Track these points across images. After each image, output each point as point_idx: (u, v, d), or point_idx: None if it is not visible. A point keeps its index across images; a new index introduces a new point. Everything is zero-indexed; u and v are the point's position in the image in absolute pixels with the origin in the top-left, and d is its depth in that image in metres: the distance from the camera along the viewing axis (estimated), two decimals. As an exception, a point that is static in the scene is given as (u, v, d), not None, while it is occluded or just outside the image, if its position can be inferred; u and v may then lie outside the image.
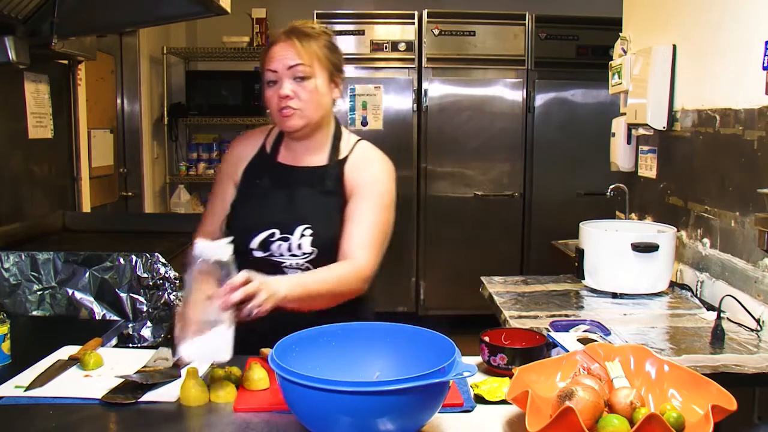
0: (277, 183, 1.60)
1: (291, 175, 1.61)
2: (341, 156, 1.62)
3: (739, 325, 1.91)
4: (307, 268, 1.54)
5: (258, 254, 1.55)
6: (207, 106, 4.80)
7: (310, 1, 4.58)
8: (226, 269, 1.17)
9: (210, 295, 1.24)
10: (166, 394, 1.29)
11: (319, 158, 1.62)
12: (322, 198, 1.57)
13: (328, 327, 1.26)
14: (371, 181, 1.59)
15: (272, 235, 1.54)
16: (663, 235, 2.22)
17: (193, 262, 1.17)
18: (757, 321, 1.88)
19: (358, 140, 1.67)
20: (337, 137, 1.64)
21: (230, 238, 1.19)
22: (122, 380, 1.33)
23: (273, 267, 1.54)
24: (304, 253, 1.53)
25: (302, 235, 1.53)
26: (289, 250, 1.54)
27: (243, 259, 1.50)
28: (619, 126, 2.83)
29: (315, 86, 1.54)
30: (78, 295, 2.09)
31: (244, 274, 1.26)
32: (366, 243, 1.53)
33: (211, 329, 1.14)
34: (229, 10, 2.28)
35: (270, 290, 1.29)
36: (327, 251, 1.53)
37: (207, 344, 1.14)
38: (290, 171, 1.62)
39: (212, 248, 1.15)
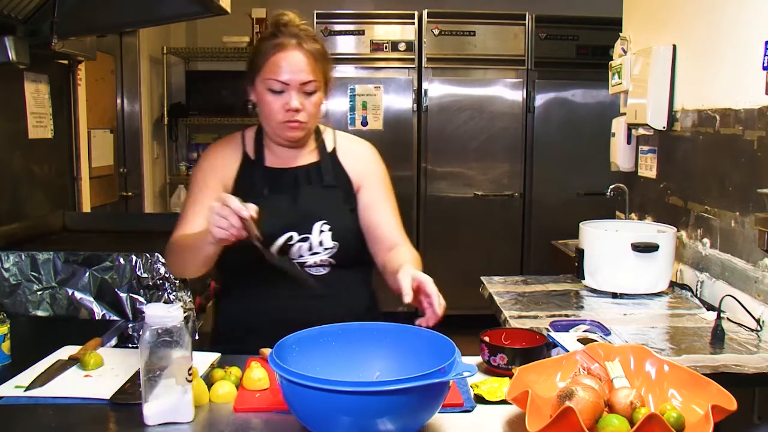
0: (275, 187, 1.58)
1: (286, 177, 1.60)
2: (329, 149, 1.65)
3: (739, 325, 1.91)
4: (330, 263, 1.55)
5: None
6: (207, 107, 4.80)
7: (310, 1, 4.57)
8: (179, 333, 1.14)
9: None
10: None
11: (306, 157, 1.63)
12: (325, 192, 1.59)
13: (328, 327, 1.26)
14: (374, 168, 1.66)
15: (290, 238, 1.53)
16: (663, 235, 2.22)
17: (144, 329, 1.13)
18: (757, 321, 1.88)
19: (334, 131, 1.70)
20: (318, 135, 1.66)
21: (180, 304, 1.16)
22: (135, 373, 1.32)
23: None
24: (326, 249, 1.54)
25: (321, 231, 1.54)
26: (310, 249, 1.54)
27: (260, 267, 1.43)
28: (619, 126, 2.83)
29: (319, 99, 1.55)
30: (78, 295, 2.09)
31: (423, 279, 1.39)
32: (399, 227, 1.63)
33: (174, 391, 1.14)
34: (229, 10, 2.28)
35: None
36: (346, 242, 1.56)
37: (169, 405, 1.14)
38: (284, 173, 1.60)
39: (163, 313, 1.13)
